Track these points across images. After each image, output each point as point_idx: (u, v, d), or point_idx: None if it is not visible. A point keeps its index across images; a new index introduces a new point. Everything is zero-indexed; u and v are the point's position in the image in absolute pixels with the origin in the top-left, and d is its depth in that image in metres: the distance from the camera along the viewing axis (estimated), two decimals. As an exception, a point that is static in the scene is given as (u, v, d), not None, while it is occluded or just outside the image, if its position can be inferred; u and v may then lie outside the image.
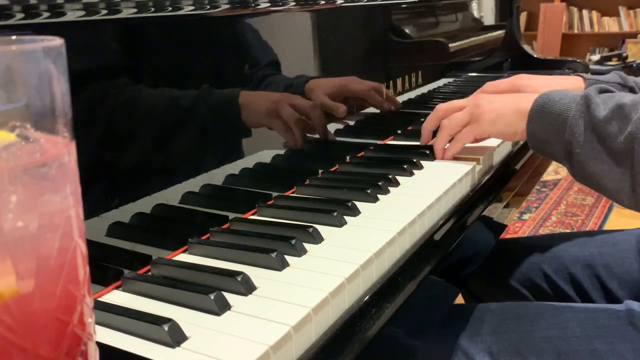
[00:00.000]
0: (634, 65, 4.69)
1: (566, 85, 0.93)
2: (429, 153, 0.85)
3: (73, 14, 0.50)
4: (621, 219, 2.58)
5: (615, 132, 0.61)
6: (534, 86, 0.88)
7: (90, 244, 0.30)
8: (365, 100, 0.97)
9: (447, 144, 0.84)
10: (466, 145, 0.84)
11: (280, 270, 0.52)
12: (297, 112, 0.77)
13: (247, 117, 0.70)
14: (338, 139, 0.89)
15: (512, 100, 0.77)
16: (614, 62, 4.72)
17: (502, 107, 0.77)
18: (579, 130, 0.65)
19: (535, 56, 1.69)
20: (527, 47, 1.71)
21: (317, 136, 0.83)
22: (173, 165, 0.62)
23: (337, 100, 0.86)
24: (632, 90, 0.91)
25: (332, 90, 0.85)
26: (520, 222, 2.61)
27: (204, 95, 0.64)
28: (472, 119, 0.80)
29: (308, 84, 0.81)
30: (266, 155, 0.74)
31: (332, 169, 0.84)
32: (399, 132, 1.02)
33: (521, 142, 1.00)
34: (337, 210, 0.63)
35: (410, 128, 1.04)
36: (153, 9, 0.57)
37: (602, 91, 0.67)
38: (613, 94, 0.66)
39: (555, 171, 3.22)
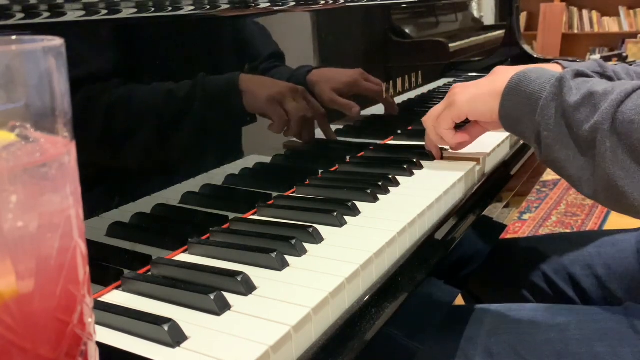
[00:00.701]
0: (634, 65, 4.69)
1: (492, 83, 0.91)
2: (429, 153, 0.85)
3: (73, 14, 0.50)
4: (621, 219, 2.58)
5: (582, 119, 0.60)
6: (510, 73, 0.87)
7: (90, 244, 0.30)
8: (375, 98, 0.95)
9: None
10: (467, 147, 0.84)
11: (280, 270, 0.52)
12: (298, 114, 0.77)
13: (247, 103, 0.69)
14: (338, 138, 0.89)
15: (487, 80, 0.75)
16: (613, 62, 4.71)
17: (477, 87, 0.75)
18: (549, 113, 0.63)
19: (535, 56, 1.69)
20: (527, 47, 1.71)
21: (321, 137, 0.83)
22: (173, 165, 0.62)
23: (345, 97, 0.85)
24: (610, 79, 0.91)
25: (340, 86, 0.83)
26: (520, 222, 2.61)
27: (202, 90, 0.64)
28: (447, 104, 0.79)
29: (310, 76, 0.79)
30: (266, 155, 0.74)
31: (332, 169, 0.84)
32: (399, 132, 1.02)
33: (521, 142, 1.00)
34: (337, 210, 0.63)
35: (410, 128, 1.04)
36: (153, 9, 0.57)
37: (579, 75, 0.66)
38: (588, 79, 0.65)
39: (555, 171, 3.22)
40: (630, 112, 0.57)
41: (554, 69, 0.91)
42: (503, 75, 0.72)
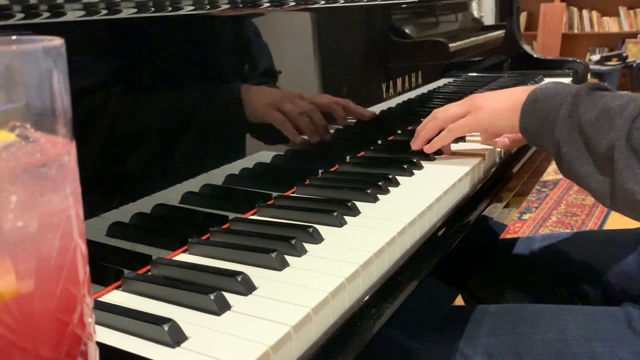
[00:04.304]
0: (634, 65, 4.69)
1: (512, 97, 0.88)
2: (429, 153, 0.85)
3: (73, 14, 0.50)
4: (621, 219, 2.56)
5: (598, 136, 0.61)
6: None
7: (90, 244, 0.30)
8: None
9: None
10: (467, 147, 0.84)
11: (280, 270, 0.52)
12: (298, 110, 0.77)
13: (249, 113, 0.70)
14: (338, 139, 0.89)
15: (507, 94, 0.77)
16: (614, 62, 4.72)
17: (498, 101, 0.77)
18: (567, 130, 0.64)
19: (535, 56, 1.69)
20: (527, 47, 1.71)
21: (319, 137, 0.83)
22: (173, 165, 0.62)
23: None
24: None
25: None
26: (520, 222, 2.61)
27: (204, 95, 0.64)
28: (467, 112, 0.79)
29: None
30: (266, 155, 0.74)
31: (332, 169, 0.84)
32: (399, 132, 1.02)
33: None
34: (337, 210, 0.63)
35: (410, 128, 1.04)
36: (153, 9, 0.57)
37: (596, 89, 0.67)
38: (604, 93, 0.66)
39: (555, 171, 3.22)
40: None
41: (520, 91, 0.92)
42: (522, 90, 0.73)
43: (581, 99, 0.64)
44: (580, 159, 0.63)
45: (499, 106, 0.76)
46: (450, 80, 1.33)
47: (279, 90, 0.75)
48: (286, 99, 0.76)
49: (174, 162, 0.62)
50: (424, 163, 0.82)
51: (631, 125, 0.58)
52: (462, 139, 0.95)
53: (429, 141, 0.85)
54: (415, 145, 0.86)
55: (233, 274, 0.49)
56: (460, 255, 0.67)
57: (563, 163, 0.66)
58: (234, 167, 0.69)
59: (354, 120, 0.93)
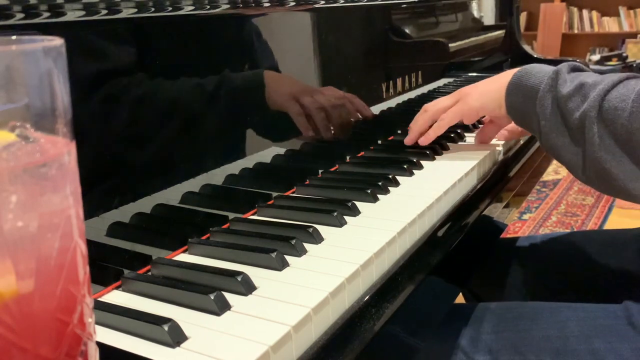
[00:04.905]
0: (634, 65, 4.69)
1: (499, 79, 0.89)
2: (429, 153, 0.85)
3: (73, 14, 0.50)
4: (621, 219, 2.57)
5: (573, 108, 0.65)
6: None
7: (90, 244, 0.30)
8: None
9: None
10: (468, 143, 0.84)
11: (280, 270, 0.52)
12: (316, 105, 0.79)
13: (269, 99, 0.72)
14: (338, 139, 0.89)
15: (494, 78, 0.80)
16: (614, 62, 4.71)
17: (485, 84, 0.80)
18: (546, 103, 0.69)
19: (535, 56, 1.68)
20: (527, 47, 1.71)
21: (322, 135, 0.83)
22: (173, 165, 0.61)
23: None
24: None
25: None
26: (520, 222, 2.61)
27: (203, 94, 0.64)
28: (457, 100, 0.83)
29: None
30: (266, 155, 0.74)
31: (332, 169, 0.84)
32: (399, 132, 1.02)
33: (521, 142, 1.00)
34: (337, 210, 0.63)
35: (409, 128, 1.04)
36: (153, 9, 0.57)
37: (575, 69, 0.70)
38: (581, 72, 0.70)
39: (555, 171, 3.22)
40: (615, 100, 0.61)
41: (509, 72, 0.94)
42: (509, 72, 0.77)
43: (560, 75, 0.68)
44: (557, 131, 0.67)
45: (487, 89, 0.79)
46: (450, 80, 1.33)
47: (302, 83, 0.76)
48: (307, 93, 0.77)
49: (174, 162, 0.62)
50: (424, 163, 0.82)
51: (603, 97, 0.62)
52: (462, 139, 0.95)
53: (422, 135, 0.87)
54: (408, 139, 0.88)
55: (233, 274, 0.49)
56: (461, 255, 0.67)
57: (542, 135, 0.70)
58: (234, 167, 0.69)
59: (354, 120, 0.93)
